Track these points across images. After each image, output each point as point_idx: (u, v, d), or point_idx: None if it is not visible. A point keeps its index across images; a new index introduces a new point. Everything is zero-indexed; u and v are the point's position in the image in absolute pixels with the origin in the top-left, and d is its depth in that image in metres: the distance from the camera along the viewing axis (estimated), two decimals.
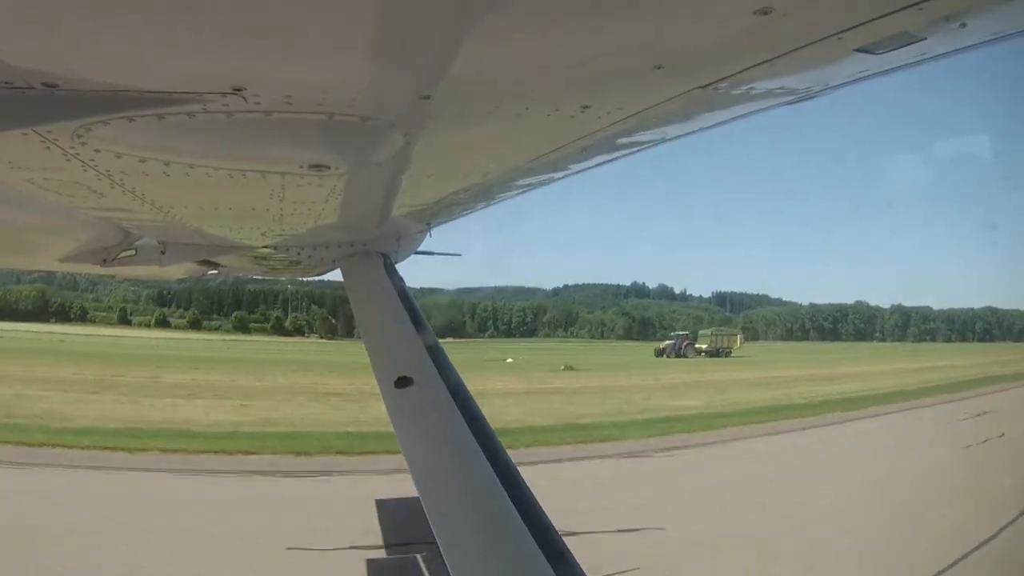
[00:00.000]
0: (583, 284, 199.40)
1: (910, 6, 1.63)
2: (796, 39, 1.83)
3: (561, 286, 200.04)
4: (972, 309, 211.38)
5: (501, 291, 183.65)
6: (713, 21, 1.74)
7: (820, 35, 1.79)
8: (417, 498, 3.90)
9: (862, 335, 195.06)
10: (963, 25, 1.77)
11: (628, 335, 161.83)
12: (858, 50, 1.90)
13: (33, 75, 1.84)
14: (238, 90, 1.95)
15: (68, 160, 2.59)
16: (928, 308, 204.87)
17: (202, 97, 2.01)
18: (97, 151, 2.50)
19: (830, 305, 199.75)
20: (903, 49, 1.91)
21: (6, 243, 6.04)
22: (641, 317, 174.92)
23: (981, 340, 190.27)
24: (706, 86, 2.17)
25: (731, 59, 2.00)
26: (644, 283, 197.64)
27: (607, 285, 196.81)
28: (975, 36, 1.88)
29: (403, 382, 4.45)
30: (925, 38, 1.83)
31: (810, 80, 2.29)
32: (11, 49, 1.67)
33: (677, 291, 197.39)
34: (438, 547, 3.67)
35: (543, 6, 1.59)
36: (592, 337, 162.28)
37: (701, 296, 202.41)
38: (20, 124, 2.18)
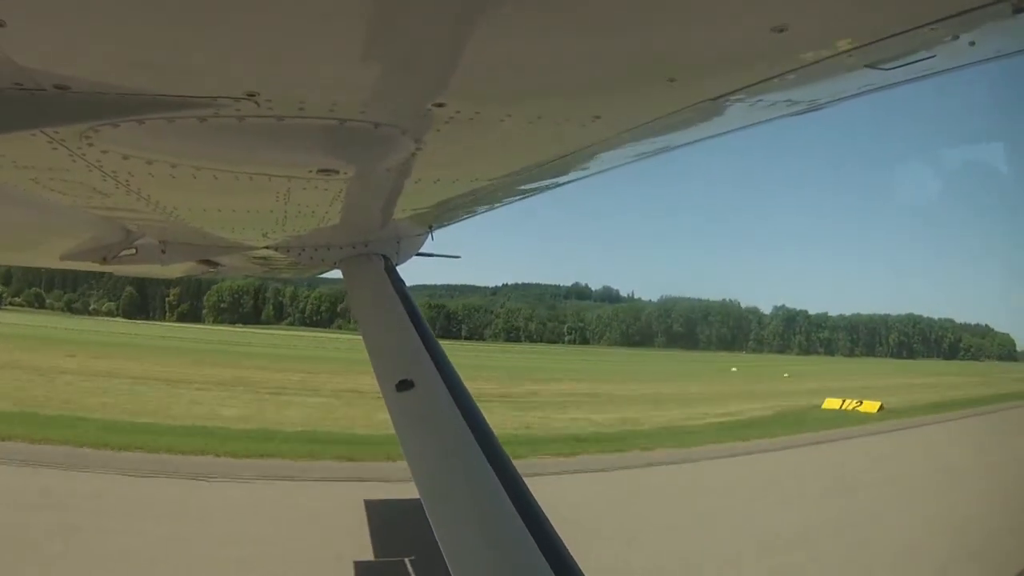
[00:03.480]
0: (523, 284, 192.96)
1: (921, 26, 1.65)
2: (808, 55, 1.85)
3: (500, 285, 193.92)
4: (887, 316, 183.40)
5: (451, 289, 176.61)
6: (729, 37, 1.76)
7: (831, 52, 1.81)
8: (405, 500, 3.89)
9: (727, 343, 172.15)
10: (972, 44, 1.79)
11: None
12: (867, 66, 1.92)
13: (45, 77, 1.84)
14: (251, 95, 1.96)
15: (74, 160, 2.60)
16: (824, 314, 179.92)
17: (215, 102, 2.01)
18: (104, 152, 2.50)
19: (694, 300, 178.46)
20: (911, 65, 1.93)
21: (7, 240, 6.03)
22: (447, 312, 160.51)
23: (895, 356, 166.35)
24: (717, 98, 2.19)
25: (743, 73, 2.02)
26: (586, 284, 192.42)
27: (546, 285, 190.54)
28: (983, 53, 1.90)
29: (404, 385, 4.46)
30: (934, 56, 1.85)
31: (818, 93, 2.31)
32: (23, 50, 1.67)
33: (624, 293, 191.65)
34: (425, 551, 3.66)
35: (559, 20, 1.60)
36: None
37: (650, 300, 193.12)
38: (30, 125, 2.18)
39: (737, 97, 2.18)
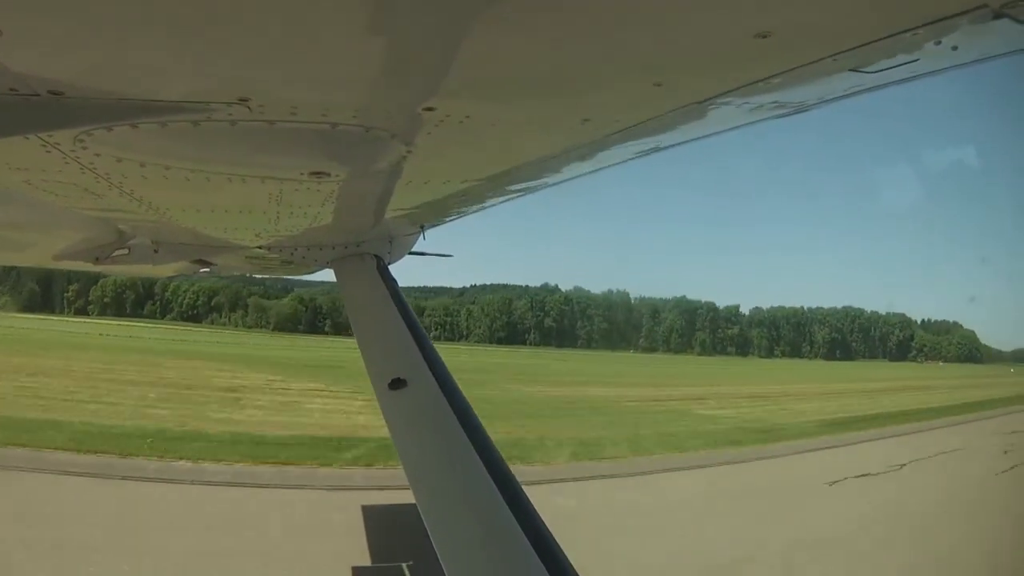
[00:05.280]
0: (490, 285, 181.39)
1: (903, 32, 1.70)
2: (792, 60, 1.89)
3: (468, 286, 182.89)
4: (820, 309, 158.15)
5: (425, 291, 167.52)
6: (714, 43, 1.80)
7: (815, 57, 1.86)
8: (403, 505, 3.90)
9: (611, 341, 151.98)
10: (955, 48, 1.83)
11: (293, 326, 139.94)
12: (852, 70, 1.97)
13: (40, 83, 1.85)
14: (243, 100, 1.98)
15: (67, 163, 2.60)
16: (783, 308, 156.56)
17: (208, 107, 2.03)
18: (97, 155, 2.51)
19: (582, 291, 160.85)
20: (895, 68, 1.98)
21: (0, 241, 5.97)
22: (314, 306, 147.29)
23: (828, 357, 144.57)
24: (703, 101, 2.24)
25: (729, 77, 2.06)
26: (556, 285, 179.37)
27: (514, 286, 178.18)
28: (966, 56, 1.95)
29: (397, 384, 4.49)
30: (917, 59, 1.90)
31: (804, 95, 2.35)
32: (18, 57, 1.69)
33: (597, 292, 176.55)
34: (423, 556, 3.66)
35: (547, 25, 1.63)
36: (249, 327, 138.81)
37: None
38: (25, 130, 2.19)
39: (724, 100, 2.22)
